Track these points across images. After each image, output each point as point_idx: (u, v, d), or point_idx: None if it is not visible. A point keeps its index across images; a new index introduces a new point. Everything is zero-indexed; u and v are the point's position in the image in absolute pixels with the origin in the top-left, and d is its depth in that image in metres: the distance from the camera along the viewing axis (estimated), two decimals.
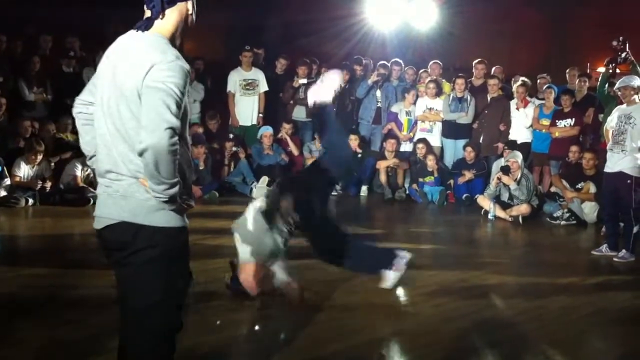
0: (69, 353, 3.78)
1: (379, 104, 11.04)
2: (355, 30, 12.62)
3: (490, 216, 9.02)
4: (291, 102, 11.06)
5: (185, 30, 2.66)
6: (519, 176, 9.01)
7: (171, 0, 2.55)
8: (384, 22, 12.33)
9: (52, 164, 9.14)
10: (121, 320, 2.62)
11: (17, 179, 8.65)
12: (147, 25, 2.54)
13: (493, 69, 11.14)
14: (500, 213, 9.00)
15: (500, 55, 13.07)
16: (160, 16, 2.54)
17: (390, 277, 5.14)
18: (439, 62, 11.38)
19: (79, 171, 8.80)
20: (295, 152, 10.82)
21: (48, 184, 8.70)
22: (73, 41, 10.78)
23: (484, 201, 9.25)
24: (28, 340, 3.93)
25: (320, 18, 12.89)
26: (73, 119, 2.81)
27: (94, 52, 9.88)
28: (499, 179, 9.12)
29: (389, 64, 11.21)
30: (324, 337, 4.22)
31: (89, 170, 8.54)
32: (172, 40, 2.58)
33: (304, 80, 10.83)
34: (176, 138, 2.37)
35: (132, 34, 2.57)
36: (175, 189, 2.43)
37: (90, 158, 2.75)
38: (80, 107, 2.71)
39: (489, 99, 10.53)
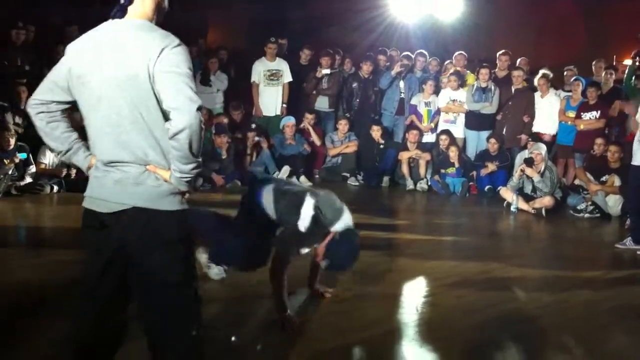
0: None
1: (402, 95, 11.01)
2: (380, 21, 12.58)
3: (512, 208, 8.96)
4: (314, 92, 11.07)
5: (160, 17, 2.67)
6: (542, 168, 8.94)
7: None
8: (408, 14, 12.28)
9: None
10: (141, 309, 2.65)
11: (43, 166, 8.77)
12: (122, 12, 2.57)
13: (518, 60, 11.05)
14: (523, 205, 8.94)
15: (526, 47, 12.93)
16: (132, 2, 2.57)
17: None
18: (463, 53, 11.31)
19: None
20: (318, 142, 10.84)
21: (73, 172, 8.80)
22: None
23: (507, 193, 9.20)
24: (54, 327, 3.97)
25: (345, 9, 12.87)
26: None
27: None
28: (522, 171, 9.06)
29: (412, 55, 11.17)
30: (344, 327, 4.22)
31: None
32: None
33: (327, 71, 10.84)
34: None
35: (110, 24, 2.59)
36: (200, 168, 2.56)
37: (66, 153, 2.74)
38: (40, 107, 2.67)
39: (513, 90, 10.45)
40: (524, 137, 10.19)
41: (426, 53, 11.23)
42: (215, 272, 4.96)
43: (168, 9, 2.72)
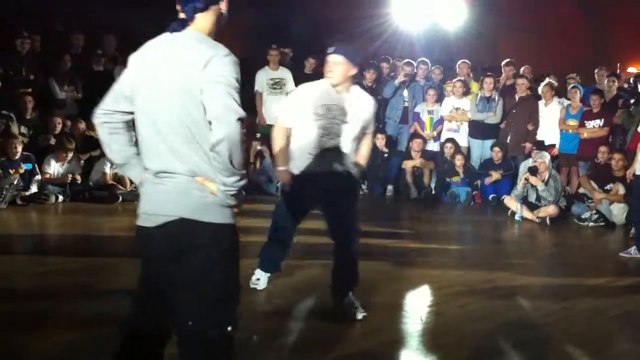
0: (99, 347, 3.82)
1: (406, 104, 11.02)
2: (383, 29, 12.61)
3: (517, 217, 8.95)
4: None
5: (218, 28, 2.64)
6: (546, 177, 8.93)
7: (205, 7, 2.55)
8: (412, 21, 12.31)
9: (82, 161, 9.28)
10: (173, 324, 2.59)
11: (48, 175, 8.80)
12: (182, 26, 2.53)
13: (522, 68, 11.06)
14: (528, 214, 8.92)
15: (529, 55, 12.96)
16: (194, 19, 2.54)
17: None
18: (467, 61, 11.30)
19: (108, 168, 8.92)
20: None
21: (78, 177, 8.84)
22: (110, 40, 10.94)
23: (511, 202, 9.18)
24: (59, 334, 3.99)
25: (348, 17, 12.90)
26: None
27: (127, 52, 10.01)
28: (526, 179, 9.04)
29: (414, 63, 11.18)
30: (348, 336, 4.22)
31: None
32: (209, 36, 2.59)
33: None
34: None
35: (167, 37, 2.56)
36: (245, 181, 2.46)
37: (122, 166, 2.72)
38: (104, 116, 2.66)
39: (517, 98, 10.44)
40: (528, 145, 10.17)
41: (428, 61, 11.23)
42: None
43: (226, 16, 2.68)
